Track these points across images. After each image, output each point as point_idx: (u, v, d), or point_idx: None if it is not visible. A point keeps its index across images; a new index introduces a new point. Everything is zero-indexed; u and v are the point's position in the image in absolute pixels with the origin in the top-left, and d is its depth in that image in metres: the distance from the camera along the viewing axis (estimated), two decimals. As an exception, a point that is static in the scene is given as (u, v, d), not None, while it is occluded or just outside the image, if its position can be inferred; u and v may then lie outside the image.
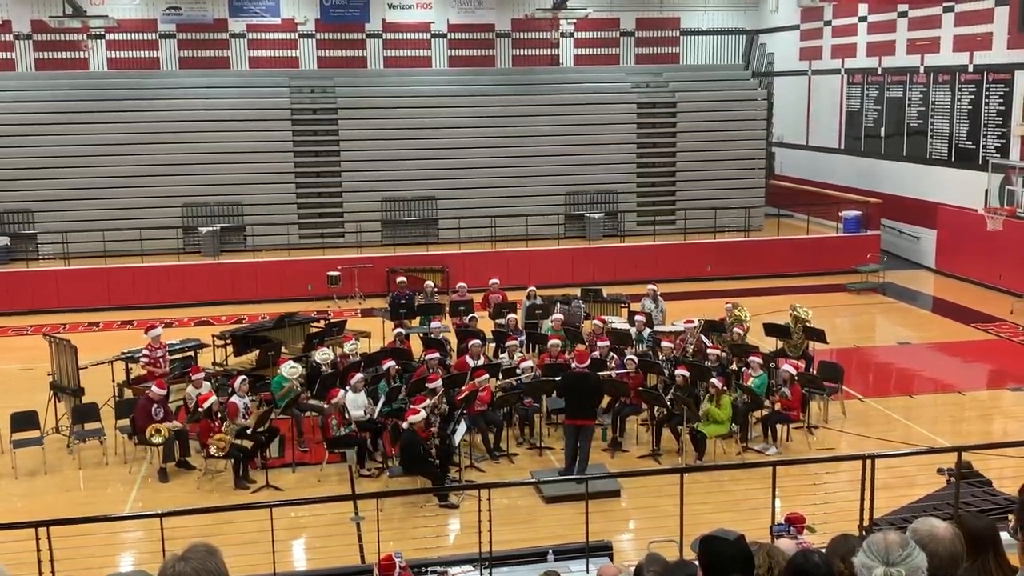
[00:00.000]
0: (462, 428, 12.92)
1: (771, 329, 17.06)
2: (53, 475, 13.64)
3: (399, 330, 17.04)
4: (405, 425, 12.69)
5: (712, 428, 13.63)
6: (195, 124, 26.40)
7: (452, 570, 9.28)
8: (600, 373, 14.29)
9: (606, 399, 14.77)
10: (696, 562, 4.05)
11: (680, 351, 15.81)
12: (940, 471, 11.09)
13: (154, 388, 13.80)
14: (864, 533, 9.19)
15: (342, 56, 30.47)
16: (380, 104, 27.63)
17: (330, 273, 23.22)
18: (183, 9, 29.43)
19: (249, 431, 13.38)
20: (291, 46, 30.24)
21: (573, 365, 13.76)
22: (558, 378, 13.80)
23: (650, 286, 18.90)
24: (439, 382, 13.83)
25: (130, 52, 29.37)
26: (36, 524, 8.64)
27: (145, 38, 29.42)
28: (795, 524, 9.09)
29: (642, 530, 11.52)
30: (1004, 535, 4.47)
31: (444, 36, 31.04)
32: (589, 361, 13.72)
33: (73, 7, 26.04)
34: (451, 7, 30.90)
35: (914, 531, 3.46)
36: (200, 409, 13.30)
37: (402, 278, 20.12)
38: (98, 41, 29.10)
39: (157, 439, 13.25)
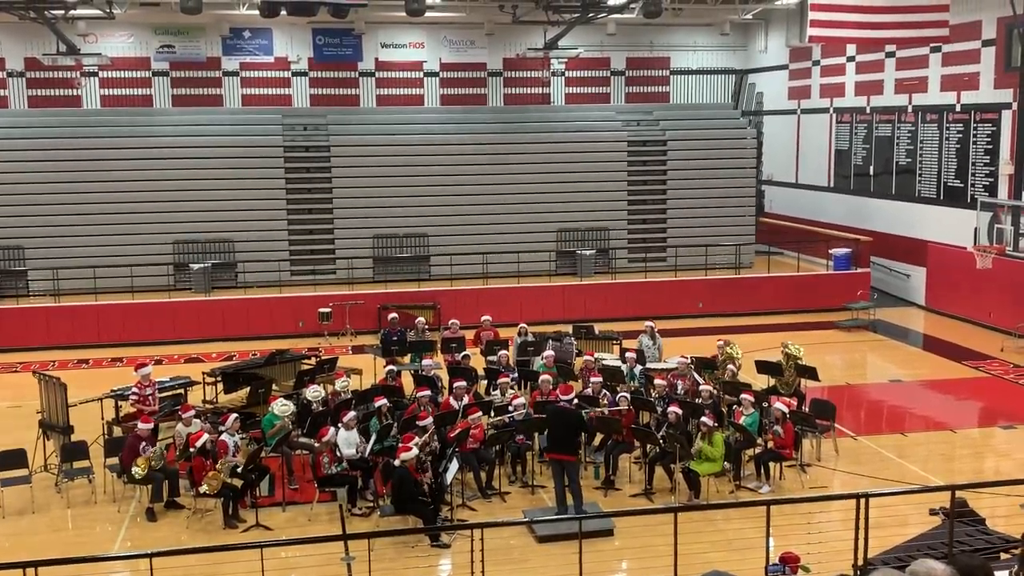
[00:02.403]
0: (454, 466, 12.85)
1: (763, 367, 17.05)
2: (41, 514, 13.50)
3: (390, 367, 17.00)
4: (396, 463, 12.62)
5: (705, 466, 13.58)
6: (187, 161, 26.45)
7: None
8: (595, 409, 14.28)
9: (599, 437, 14.75)
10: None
11: (671, 388, 15.78)
12: (933, 512, 11.05)
13: (139, 424, 13.72)
14: (858, 573, 9.15)
15: (335, 94, 30.66)
16: (372, 142, 27.74)
17: (321, 310, 23.18)
18: (176, 47, 29.61)
19: (239, 469, 13.28)
20: (284, 84, 30.42)
21: (560, 397, 13.74)
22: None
23: (647, 323, 18.88)
24: (430, 420, 13.78)
25: (123, 90, 29.50)
26: (24, 565, 8.53)
27: (138, 76, 29.57)
28: (789, 564, 9.06)
29: (636, 570, 11.44)
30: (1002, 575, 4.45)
31: (436, 75, 31.27)
32: (573, 394, 13.72)
33: (66, 45, 26.17)
34: (443, 46, 31.16)
35: (912, 573, 3.44)
36: (192, 449, 13.21)
37: (394, 315, 20.09)
38: (91, 79, 29.23)
39: (138, 472, 13.16)
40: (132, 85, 29.58)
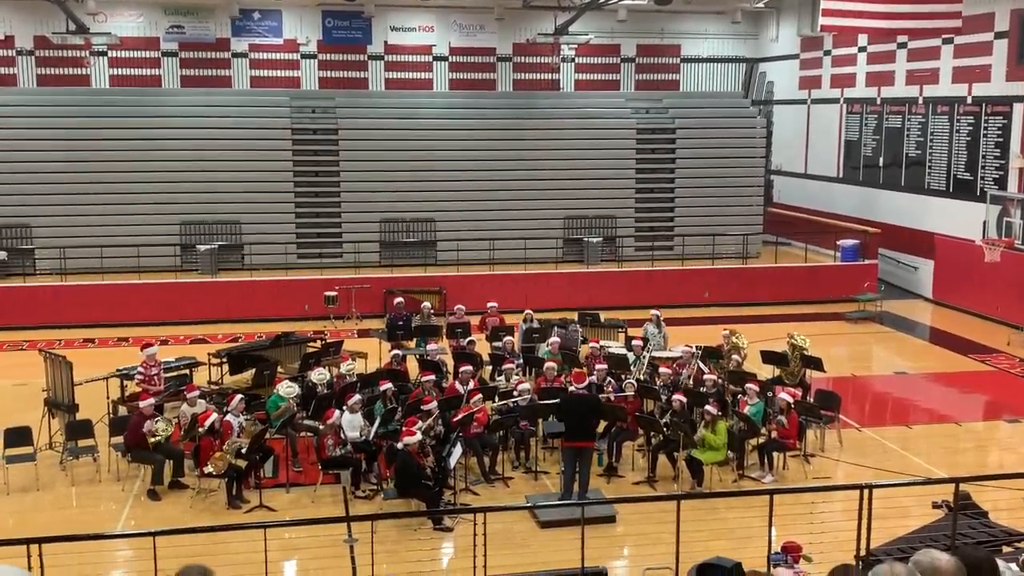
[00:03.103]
0: (457, 451, 12.87)
1: (768, 357, 17.03)
2: (46, 492, 13.55)
3: (396, 351, 17.00)
4: (400, 446, 12.65)
5: (708, 455, 13.58)
6: (195, 142, 26.45)
7: (446, 594, 9.22)
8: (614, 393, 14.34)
9: (602, 424, 14.74)
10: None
11: (676, 376, 15.76)
12: (936, 505, 11.04)
13: (141, 403, 13.74)
14: (860, 563, 9.15)
15: (343, 77, 30.59)
16: (380, 125, 27.71)
17: (327, 293, 23.19)
18: (186, 28, 29.55)
19: (244, 450, 13.31)
20: (293, 66, 30.35)
21: (571, 388, 13.73)
22: (555, 401, 13.76)
23: (653, 311, 18.86)
24: (434, 404, 13.79)
25: (132, 69, 29.46)
26: (28, 541, 8.56)
27: (147, 56, 29.52)
28: (792, 553, 9.07)
29: (637, 557, 11.44)
30: (1014, 566, 4.43)
31: (445, 59, 31.18)
32: (587, 382, 13.72)
33: (76, 24, 26.14)
34: (453, 30, 31.05)
35: (916, 563, 3.43)
36: (201, 428, 13.24)
37: (400, 299, 20.09)
38: (100, 58, 29.19)
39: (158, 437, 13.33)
40: (141, 65, 29.54)
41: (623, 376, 15.63)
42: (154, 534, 8.96)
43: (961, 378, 19.63)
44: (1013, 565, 4.43)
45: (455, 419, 13.77)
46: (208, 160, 26.39)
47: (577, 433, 12.95)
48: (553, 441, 14.54)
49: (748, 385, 14.69)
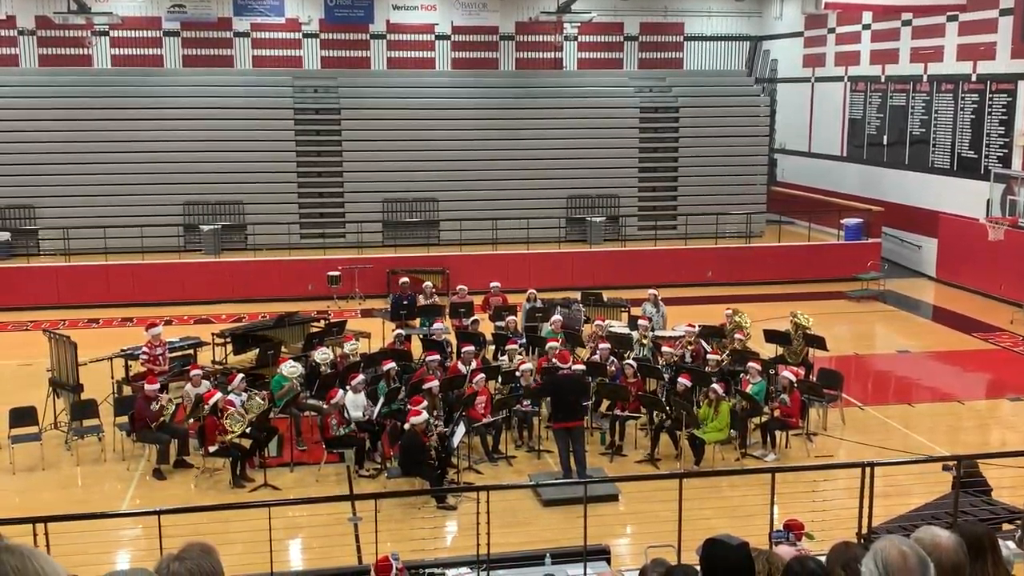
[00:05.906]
0: (461, 430, 12.91)
1: (771, 336, 17.05)
2: (51, 471, 13.62)
3: (399, 331, 17.02)
4: (406, 426, 12.69)
5: (711, 434, 13.61)
6: (198, 122, 26.39)
7: (449, 572, 9.27)
8: (599, 379, 14.35)
9: (605, 403, 14.79)
10: (697, 567, 4.04)
11: (680, 356, 15.77)
12: (946, 467, 11.06)
13: (146, 386, 13.78)
14: (862, 541, 9.18)
15: (346, 56, 30.49)
16: (383, 105, 27.62)
17: (330, 273, 23.20)
18: (187, 7, 29.43)
19: (248, 429, 13.36)
20: (295, 46, 30.25)
21: (557, 364, 13.77)
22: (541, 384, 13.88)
23: (651, 291, 18.89)
24: (435, 383, 13.84)
25: (134, 49, 29.37)
26: (33, 520, 8.62)
27: (149, 36, 29.42)
28: (794, 531, 9.09)
29: (640, 535, 11.49)
30: (1011, 544, 4.45)
31: (448, 38, 31.05)
32: (570, 361, 13.84)
33: (78, 3, 26.06)
34: (455, 9, 30.91)
35: (918, 540, 3.43)
36: (206, 406, 13.29)
37: (404, 279, 20.11)
38: (102, 38, 29.10)
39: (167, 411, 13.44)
40: (143, 45, 29.45)
41: (625, 355, 15.64)
42: (159, 512, 9.01)
43: (964, 357, 19.64)
44: (1010, 543, 4.44)
45: (473, 413, 13.81)
46: (211, 140, 26.34)
47: (566, 414, 13.00)
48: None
49: (750, 364, 14.70)
